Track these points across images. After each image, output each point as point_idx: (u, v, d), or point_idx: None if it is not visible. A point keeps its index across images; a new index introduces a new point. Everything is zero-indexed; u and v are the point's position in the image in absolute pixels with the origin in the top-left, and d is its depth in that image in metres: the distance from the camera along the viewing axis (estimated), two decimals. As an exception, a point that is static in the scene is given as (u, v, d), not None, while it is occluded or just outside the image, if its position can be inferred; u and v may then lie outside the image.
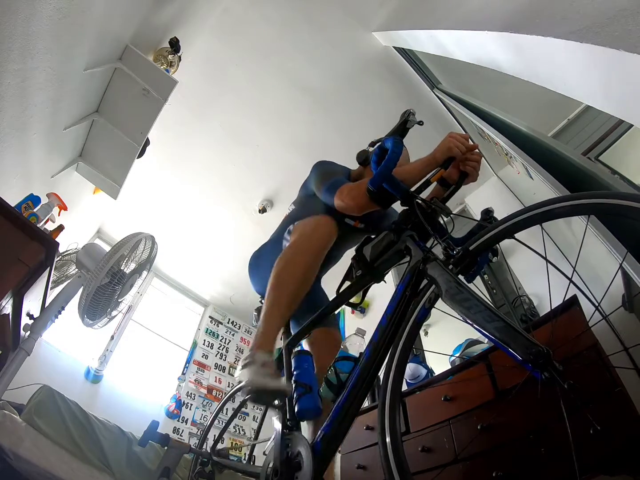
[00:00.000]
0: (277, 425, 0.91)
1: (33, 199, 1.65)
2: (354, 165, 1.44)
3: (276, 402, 0.91)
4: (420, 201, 0.97)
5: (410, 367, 2.06)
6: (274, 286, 1.01)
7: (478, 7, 1.61)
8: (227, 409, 2.96)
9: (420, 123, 1.00)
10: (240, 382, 0.85)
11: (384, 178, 0.93)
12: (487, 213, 0.98)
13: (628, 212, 0.58)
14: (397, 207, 1.07)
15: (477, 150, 1.07)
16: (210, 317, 4.34)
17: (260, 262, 1.37)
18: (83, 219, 3.12)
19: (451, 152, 1.02)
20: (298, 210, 1.41)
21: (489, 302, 0.69)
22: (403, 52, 2.54)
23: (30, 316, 1.45)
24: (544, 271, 0.73)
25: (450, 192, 1.08)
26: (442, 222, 0.96)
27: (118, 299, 1.77)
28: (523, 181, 2.24)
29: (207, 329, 4.22)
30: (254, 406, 3.48)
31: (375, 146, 1.35)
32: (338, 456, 1.88)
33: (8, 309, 1.21)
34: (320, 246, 1.06)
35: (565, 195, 1.16)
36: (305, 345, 1.30)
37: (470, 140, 1.09)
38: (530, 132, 1.88)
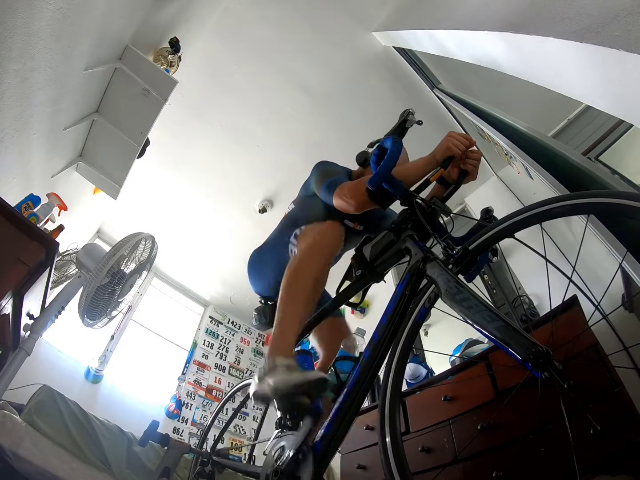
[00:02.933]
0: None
1: (33, 199, 1.65)
2: (354, 165, 1.44)
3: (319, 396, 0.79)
4: (420, 201, 0.97)
5: (410, 367, 2.06)
6: (286, 295, 0.98)
7: (478, 7, 1.61)
8: (227, 409, 2.96)
9: (420, 122, 1.00)
10: (259, 393, 0.77)
11: (384, 177, 0.93)
12: (487, 212, 0.97)
13: (627, 212, 0.58)
14: (396, 209, 1.07)
15: (476, 148, 1.07)
16: (210, 317, 4.33)
17: (260, 262, 1.36)
18: (83, 219, 3.12)
19: (450, 151, 1.02)
20: (297, 210, 1.43)
21: (489, 302, 0.69)
22: (403, 52, 2.53)
23: (30, 316, 1.45)
24: (544, 271, 0.73)
25: (450, 192, 1.08)
26: (441, 221, 0.96)
27: (118, 299, 1.77)
28: (523, 181, 2.24)
29: (207, 329, 4.22)
30: (254, 406, 3.47)
31: (375, 146, 1.35)
32: (338, 456, 1.88)
33: (8, 309, 1.21)
34: (329, 252, 1.04)
35: (564, 194, 1.16)
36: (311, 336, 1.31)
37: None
38: (530, 132, 1.88)
